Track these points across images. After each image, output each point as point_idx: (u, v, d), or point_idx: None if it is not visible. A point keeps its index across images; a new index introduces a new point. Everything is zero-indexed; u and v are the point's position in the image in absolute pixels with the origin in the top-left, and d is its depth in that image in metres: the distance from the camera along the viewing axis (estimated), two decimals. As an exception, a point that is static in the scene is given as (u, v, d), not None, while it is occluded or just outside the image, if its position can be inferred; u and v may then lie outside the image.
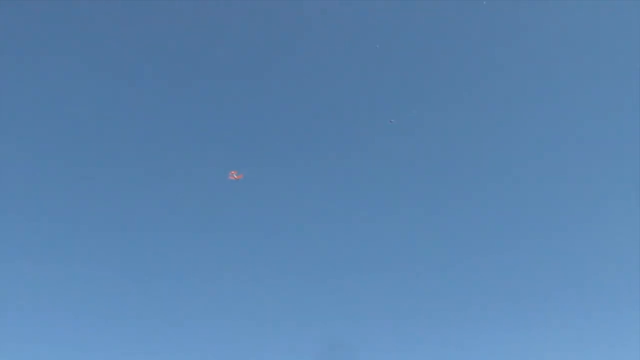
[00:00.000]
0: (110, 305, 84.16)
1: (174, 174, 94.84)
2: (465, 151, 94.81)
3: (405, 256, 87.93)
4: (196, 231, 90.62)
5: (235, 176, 76.62)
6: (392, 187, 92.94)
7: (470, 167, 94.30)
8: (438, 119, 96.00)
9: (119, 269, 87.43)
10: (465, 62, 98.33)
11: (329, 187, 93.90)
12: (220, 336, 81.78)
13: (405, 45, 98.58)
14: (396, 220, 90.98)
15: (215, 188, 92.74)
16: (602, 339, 78.16)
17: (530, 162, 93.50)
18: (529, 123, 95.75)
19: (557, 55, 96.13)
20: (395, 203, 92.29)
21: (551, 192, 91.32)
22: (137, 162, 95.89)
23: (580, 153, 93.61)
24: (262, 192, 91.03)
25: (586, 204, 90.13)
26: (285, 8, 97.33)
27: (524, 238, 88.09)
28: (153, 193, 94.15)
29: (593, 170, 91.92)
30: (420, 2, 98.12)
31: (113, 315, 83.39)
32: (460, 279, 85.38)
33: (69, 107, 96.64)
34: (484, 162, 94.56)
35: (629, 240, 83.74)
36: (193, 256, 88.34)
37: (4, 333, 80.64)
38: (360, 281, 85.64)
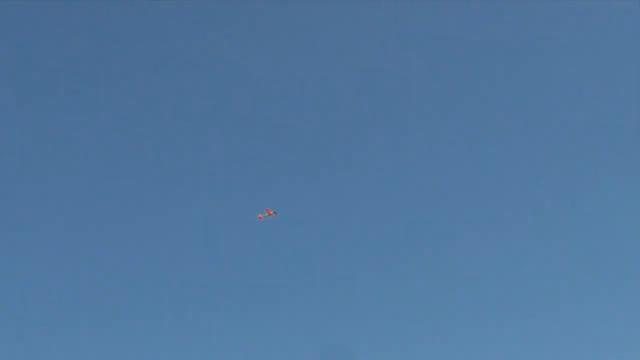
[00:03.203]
0: (113, 306, 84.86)
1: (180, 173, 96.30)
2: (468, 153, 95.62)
3: (405, 257, 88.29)
4: (198, 231, 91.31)
5: (267, 214, 79.57)
6: (391, 189, 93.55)
7: (471, 169, 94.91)
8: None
9: (122, 269, 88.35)
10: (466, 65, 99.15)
11: (328, 190, 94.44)
12: (220, 336, 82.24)
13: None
14: (397, 222, 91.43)
15: (219, 190, 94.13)
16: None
17: (530, 163, 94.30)
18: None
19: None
20: (394, 206, 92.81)
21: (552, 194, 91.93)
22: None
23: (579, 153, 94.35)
24: (263, 196, 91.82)
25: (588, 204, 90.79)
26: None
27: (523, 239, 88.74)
28: (154, 192, 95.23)
29: (592, 171, 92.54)
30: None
31: (114, 315, 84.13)
32: (461, 279, 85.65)
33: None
34: (483, 164, 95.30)
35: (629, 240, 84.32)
36: (193, 256, 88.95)
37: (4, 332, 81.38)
38: (361, 282, 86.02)
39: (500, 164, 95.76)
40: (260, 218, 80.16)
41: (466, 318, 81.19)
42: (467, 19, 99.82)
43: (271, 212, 79.73)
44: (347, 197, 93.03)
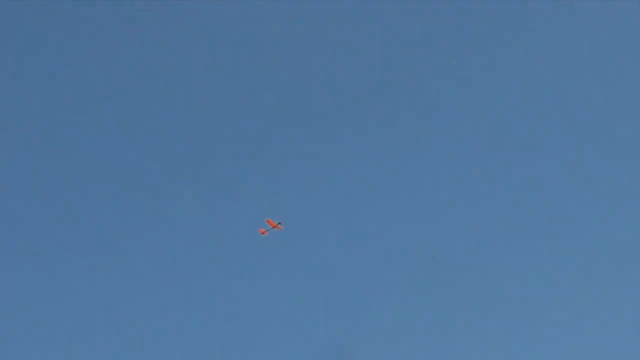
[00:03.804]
0: (111, 307, 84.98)
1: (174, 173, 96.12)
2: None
3: (405, 257, 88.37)
4: (194, 229, 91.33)
5: (270, 227, 73.04)
6: (391, 189, 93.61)
7: (472, 169, 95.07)
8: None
9: (121, 269, 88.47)
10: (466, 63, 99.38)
11: (330, 191, 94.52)
12: (219, 336, 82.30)
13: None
14: (399, 222, 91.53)
15: (215, 186, 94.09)
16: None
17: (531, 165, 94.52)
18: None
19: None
20: (396, 206, 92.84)
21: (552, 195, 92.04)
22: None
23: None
24: (263, 190, 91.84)
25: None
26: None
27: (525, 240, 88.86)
28: (155, 190, 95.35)
29: (592, 172, 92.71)
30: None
31: (113, 316, 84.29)
32: (463, 280, 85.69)
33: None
34: (483, 164, 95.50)
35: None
36: (192, 256, 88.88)
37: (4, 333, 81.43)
38: (361, 282, 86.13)
39: (501, 163, 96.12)
40: (263, 233, 73.32)
41: (468, 318, 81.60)
42: (464, 17, 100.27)
43: (275, 224, 72.68)
44: (348, 197, 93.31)
